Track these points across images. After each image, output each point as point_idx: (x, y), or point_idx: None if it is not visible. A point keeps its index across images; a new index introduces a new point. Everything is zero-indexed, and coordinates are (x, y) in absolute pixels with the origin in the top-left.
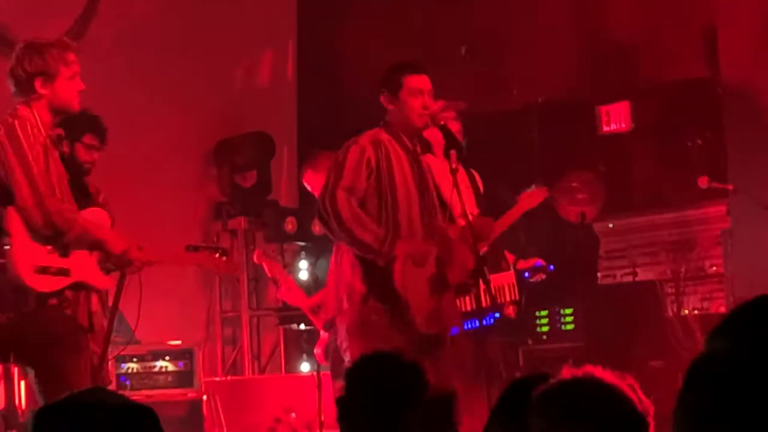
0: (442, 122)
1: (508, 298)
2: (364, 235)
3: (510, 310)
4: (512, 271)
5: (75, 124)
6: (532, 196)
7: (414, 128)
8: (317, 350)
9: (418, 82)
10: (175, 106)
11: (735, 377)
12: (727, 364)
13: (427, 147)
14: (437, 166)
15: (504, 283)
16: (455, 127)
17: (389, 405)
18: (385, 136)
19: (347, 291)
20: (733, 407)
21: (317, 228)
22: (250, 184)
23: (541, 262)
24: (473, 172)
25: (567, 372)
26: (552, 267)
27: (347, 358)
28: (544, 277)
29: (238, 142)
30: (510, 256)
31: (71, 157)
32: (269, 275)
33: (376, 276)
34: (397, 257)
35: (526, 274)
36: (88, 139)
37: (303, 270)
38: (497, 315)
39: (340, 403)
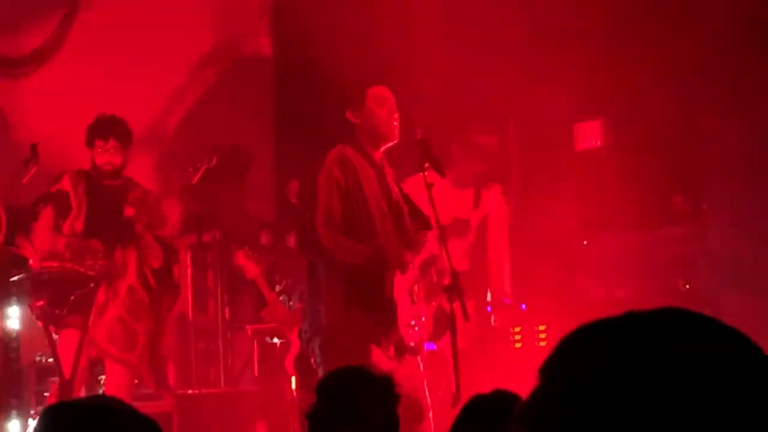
0: (418, 137)
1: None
2: (353, 259)
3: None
4: (471, 301)
5: (87, 134)
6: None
7: (382, 137)
8: (287, 361)
9: (380, 91)
10: (151, 120)
11: (557, 421)
12: (549, 407)
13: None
14: (416, 181)
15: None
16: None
17: (360, 419)
18: (350, 152)
19: (325, 304)
20: None
21: (292, 241)
22: (226, 196)
23: (509, 300)
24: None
25: None
26: (524, 306)
27: (321, 371)
28: (511, 316)
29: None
30: (496, 283)
31: (93, 164)
32: (249, 277)
33: (356, 287)
34: (386, 267)
35: (489, 308)
36: (96, 143)
37: (276, 284)
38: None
39: (311, 417)
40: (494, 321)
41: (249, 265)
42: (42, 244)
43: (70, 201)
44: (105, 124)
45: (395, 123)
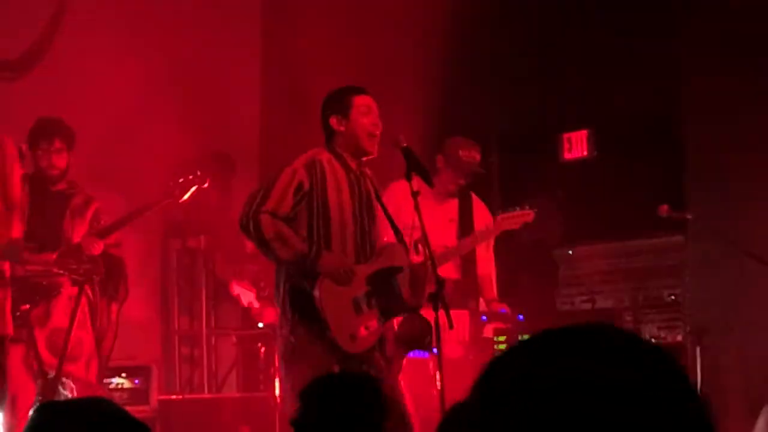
0: (403, 144)
1: (453, 337)
2: (285, 253)
3: (453, 349)
4: (466, 310)
5: (30, 135)
6: (513, 218)
7: (362, 149)
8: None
9: (366, 100)
10: (137, 126)
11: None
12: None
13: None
14: (401, 188)
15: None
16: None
17: (345, 426)
18: (325, 156)
19: (281, 315)
20: None
21: None
22: (210, 202)
23: (506, 309)
24: (474, 198)
25: None
26: (521, 317)
27: (280, 385)
28: (508, 326)
29: (196, 161)
30: (491, 291)
31: (36, 166)
32: (246, 305)
33: (302, 297)
34: (320, 275)
35: (484, 318)
36: (40, 144)
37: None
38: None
39: (295, 423)
40: (485, 332)
41: (244, 294)
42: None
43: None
44: (49, 124)
45: (377, 133)
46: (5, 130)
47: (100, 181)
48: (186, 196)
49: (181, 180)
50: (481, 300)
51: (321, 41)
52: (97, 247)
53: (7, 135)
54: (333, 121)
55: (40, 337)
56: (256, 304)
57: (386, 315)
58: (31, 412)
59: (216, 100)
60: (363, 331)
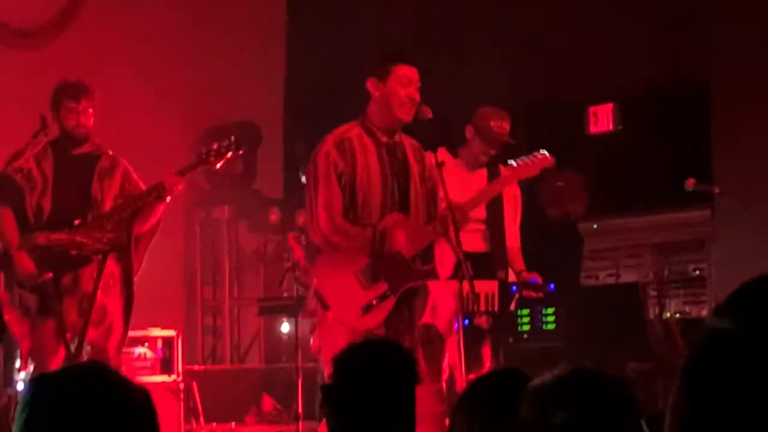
0: (429, 116)
1: (482, 308)
2: (352, 245)
3: (482, 320)
4: (495, 281)
5: (54, 96)
6: (534, 163)
7: (394, 119)
8: (313, 342)
9: (408, 71)
10: (164, 93)
11: (740, 357)
12: (732, 344)
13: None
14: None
15: (481, 291)
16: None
17: (376, 394)
18: (356, 131)
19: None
20: (739, 388)
21: (301, 219)
22: (236, 173)
23: (537, 279)
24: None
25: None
26: (552, 287)
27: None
28: (540, 295)
29: (224, 130)
30: (519, 262)
31: (61, 127)
32: (296, 258)
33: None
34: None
35: (514, 288)
36: (65, 104)
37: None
38: (465, 322)
39: (326, 388)
40: (514, 305)
41: (297, 248)
42: (29, 239)
43: (33, 177)
44: (74, 85)
45: (412, 108)
46: (27, 99)
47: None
48: (221, 163)
49: (215, 146)
50: (510, 272)
51: (348, 11)
52: (180, 185)
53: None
54: (370, 83)
55: (72, 304)
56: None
57: (395, 285)
58: (29, 382)
59: (241, 68)
60: (372, 305)
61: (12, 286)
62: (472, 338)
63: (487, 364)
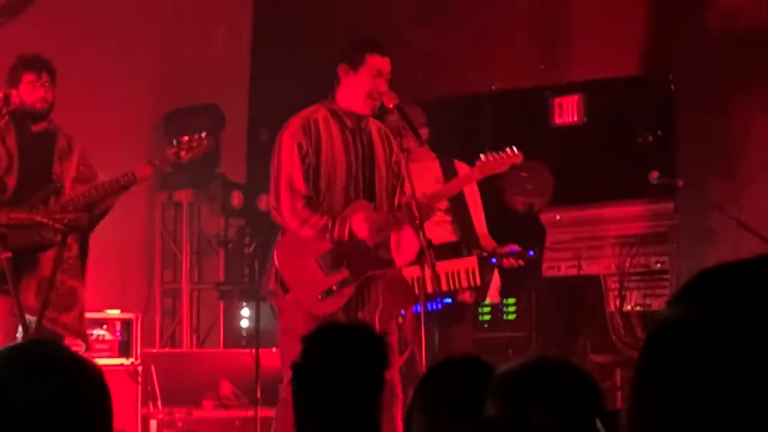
0: (390, 106)
1: (464, 284)
2: (309, 232)
3: (466, 296)
4: (474, 256)
5: (12, 72)
6: (503, 160)
7: (360, 110)
8: None
9: (381, 63)
10: (127, 74)
11: (699, 343)
12: (691, 330)
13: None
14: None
15: (461, 268)
16: (415, 113)
17: (345, 374)
18: (322, 114)
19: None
20: (698, 375)
21: (263, 204)
22: (198, 156)
23: (515, 248)
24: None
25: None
26: (532, 252)
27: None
28: (521, 263)
29: (188, 112)
30: (490, 243)
31: (21, 102)
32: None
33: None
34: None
35: (493, 260)
36: (26, 77)
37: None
38: (448, 300)
39: (295, 367)
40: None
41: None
42: None
43: None
44: (34, 59)
45: (377, 100)
46: None
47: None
48: (190, 156)
49: (186, 139)
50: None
51: None
52: (150, 175)
53: None
54: (341, 68)
55: (29, 286)
56: None
57: (356, 272)
58: None
59: (205, 51)
60: (332, 290)
61: None
62: (453, 317)
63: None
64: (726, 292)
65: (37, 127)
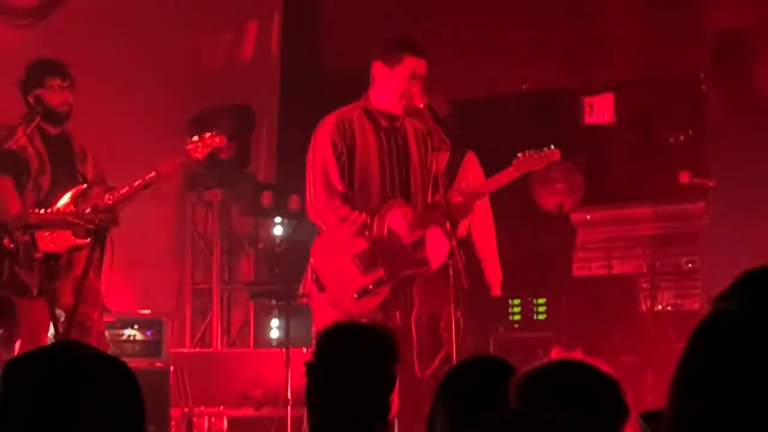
0: (421, 105)
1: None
2: (348, 229)
3: None
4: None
5: (33, 74)
6: (541, 157)
7: (394, 106)
8: None
9: (417, 66)
10: (157, 75)
11: (747, 337)
12: (738, 324)
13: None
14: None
15: None
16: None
17: (358, 371)
18: (356, 113)
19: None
20: (747, 370)
21: (293, 204)
22: (228, 156)
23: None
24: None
25: (554, 354)
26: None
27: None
28: None
29: (218, 113)
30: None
31: (42, 106)
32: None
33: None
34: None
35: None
36: (49, 82)
37: (278, 244)
38: None
39: (309, 365)
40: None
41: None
42: (19, 217)
43: (29, 155)
44: (56, 62)
45: (409, 102)
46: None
47: (112, 132)
48: (204, 154)
49: (196, 138)
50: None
51: None
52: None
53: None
54: (376, 66)
55: (66, 286)
56: None
57: (392, 272)
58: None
59: (237, 51)
60: (368, 289)
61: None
62: None
63: None
64: None
65: (55, 131)
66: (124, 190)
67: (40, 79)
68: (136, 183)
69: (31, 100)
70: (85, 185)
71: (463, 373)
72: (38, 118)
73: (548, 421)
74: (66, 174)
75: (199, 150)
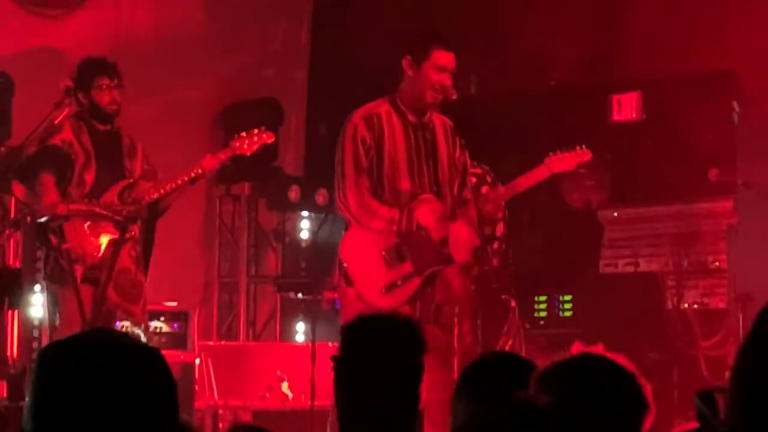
0: (454, 97)
1: None
2: (378, 224)
3: None
4: None
5: (83, 73)
6: (572, 158)
7: (423, 102)
8: None
9: (445, 59)
10: (187, 68)
11: None
12: None
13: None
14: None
15: None
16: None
17: (385, 363)
18: (385, 108)
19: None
20: None
21: (321, 198)
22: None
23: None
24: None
25: (576, 349)
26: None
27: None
28: None
29: (247, 106)
30: None
31: (91, 104)
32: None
33: None
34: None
35: None
36: (98, 81)
37: (305, 238)
38: None
39: (336, 359)
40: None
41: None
42: (44, 201)
43: (75, 151)
44: (104, 61)
45: (440, 94)
46: (50, 68)
47: (145, 124)
48: (253, 149)
49: (244, 134)
50: None
51: None
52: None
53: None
54: (405, 61)
55: (108, 277)
56: None
57: (420, 267)
58: (38, 354)
59: (265, 44)
60: (396, 284)
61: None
62: None
63: None
64: None
65: (104, 127)
66: (170, 185)
67: (90, 78)
68: (182, 179)
69: (80, 97)
70: (131, 180)
71: (480, 370)
72: (66, 110)
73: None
74: (112, 169)
75: (247, 146)
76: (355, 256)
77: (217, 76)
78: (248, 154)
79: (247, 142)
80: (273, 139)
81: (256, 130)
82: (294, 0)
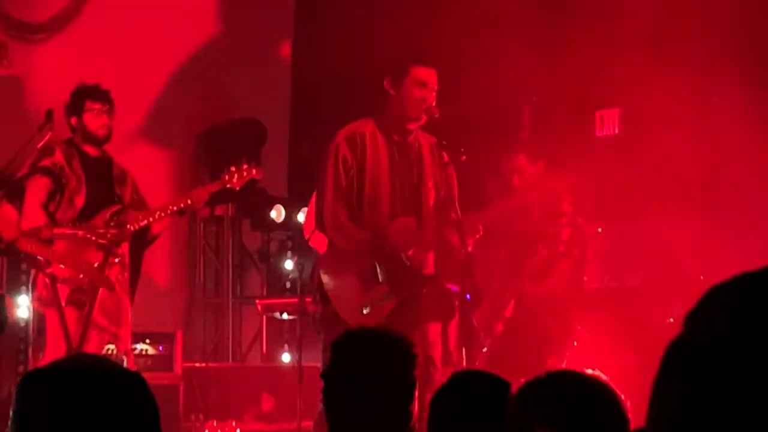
0: (436, 115)
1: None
2: (349, 245)
3: None
4: None
5: (75, 99)
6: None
7: (407, 119)
8: None
9: (425, 74)
10: (169, 90)
11: (719, 361)
12: (710, 347)
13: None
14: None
15: None
16: None
17: (375, 379)
18: (370, 128)
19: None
20: (718, 393)
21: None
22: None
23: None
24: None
25: (551, 364)
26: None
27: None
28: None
29: (229, 127)
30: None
31: (83, 128)
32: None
33: None
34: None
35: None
36: (90, 105)
37: (288, 260)
38: None
39: (325, 376)
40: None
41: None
42: (29, 223)
43: (66, 175)
44: (96, 87)
45: (424, 108)
46: (30, 92)
47: (125, 145)
48: (241, 184)
49: (233, 168)
50: None
51: (356, 9)
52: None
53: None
54: (386, 81)
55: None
56: None
57: (397, 289)
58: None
59: (247, 65)
60: (373, 304)
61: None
62: None
63: None
64: (737, 306)
65: (95, 153)
66: (158, 213)
67: (82, 102)
68: (171, 208)
69: (72, 122)
70: (119, 206)
71: (454, 388)
72: (49, 134)
73: None
74: (102, 195)
75: (236, 180)
76: (332, 276)
77: (199, 95)
78: (237, 188)
79: (236, 176)
80: (261, 176)
81: (245, 165)
82: (276, 18)
